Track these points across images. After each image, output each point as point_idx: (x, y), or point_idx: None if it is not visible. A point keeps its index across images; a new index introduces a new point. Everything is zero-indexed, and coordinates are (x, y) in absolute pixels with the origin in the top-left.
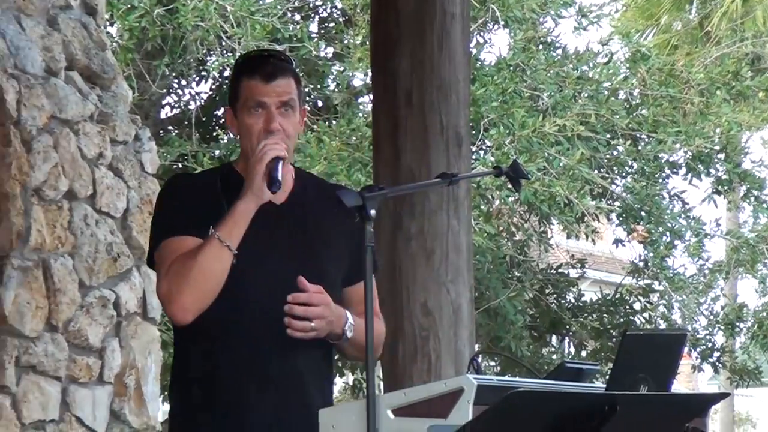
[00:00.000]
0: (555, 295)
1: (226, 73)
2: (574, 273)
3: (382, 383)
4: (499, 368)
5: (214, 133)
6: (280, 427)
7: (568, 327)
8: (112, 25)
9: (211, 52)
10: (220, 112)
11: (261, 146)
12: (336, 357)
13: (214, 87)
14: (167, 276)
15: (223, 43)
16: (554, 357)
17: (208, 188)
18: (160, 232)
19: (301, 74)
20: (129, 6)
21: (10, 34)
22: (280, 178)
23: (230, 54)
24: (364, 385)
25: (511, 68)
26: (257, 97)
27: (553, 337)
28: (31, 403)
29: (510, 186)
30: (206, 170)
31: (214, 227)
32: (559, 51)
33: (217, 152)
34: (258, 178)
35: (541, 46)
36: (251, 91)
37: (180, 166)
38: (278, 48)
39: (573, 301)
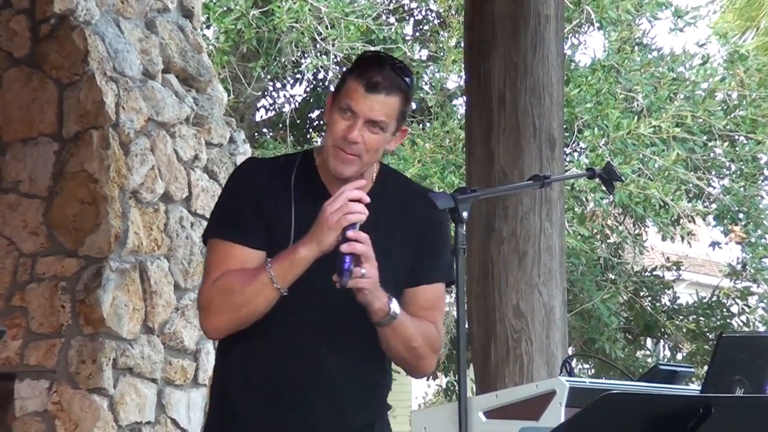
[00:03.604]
0: (650, 298)
1: (321, 75)
2: (669, 275)
3: (474, 385)
4: (593, 371)
5: (308, 136)
6: None
7: (663, 329)
8: (208, 27)
9: (306, 55)
10: (314, 115)
11: (340, 202)
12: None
13: (308, 89)
14: (212, 288)
15: (318, 45)
16: (649, 360)
17: (282, 179)
18: (216, 224)
19: None
20: (225, 8)
21: (109, 36)
22: (349, 269)
23: (324, 56)
24: (457, 387)
25: (606, 69)
26: (351, 102)
27: (648, 340)
28: (128, 405)
29: (604, 188)
30: (286, 155)
31: (271, 261)
32: (655, 52)
33: None
34: (328, 234)
35: (636, 48)
36: (350, 93)
37: None
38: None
39: (668, 303)
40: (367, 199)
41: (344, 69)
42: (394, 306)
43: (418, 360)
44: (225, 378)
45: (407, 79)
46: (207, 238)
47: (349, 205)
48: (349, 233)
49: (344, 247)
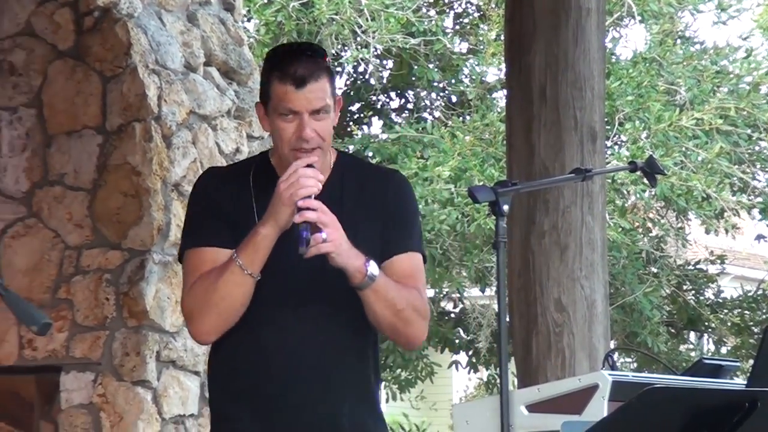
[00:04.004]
0: (693, 291)
1: (361, 68)
2: (713, 269)
3: (515, 379)
4: (635, 365)
5: (348, 129)
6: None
7: (707, 323)
8: (249, 20)
9: (346, 47)
10: (354, 108)
11: (293, 179)
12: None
13: (348, 82)
14: (190, 294)
15: (358, 38)
16: (693, 354)
17: (240, 181)
18: (186, 238)
19: (435, 69)
20: (266, 0)
21: (151, 29)
22: (306, 237)
23: (364, 48)
24: (498, 380)
25: (648, 62)
26: (288, 104)
27: (692, 334)
28: (171, 397)
29: (646, 181)
30: (242, 160)
31: (236, 250)
32: (697, 45)
33: (351, 147)
34: (283, 210)
35: (678, 41)
36: (283, 97)
37: None
38: (311, 42)
39: (712, 297)
40: (321, 177)
41: (262, 71)
42: (372, 268)
43: (407, 326)
44: (212, 379)
45: (323, 57)
46: (180, 254)
47: (300, 181)
48: (300, 203)
49: (296, 218)
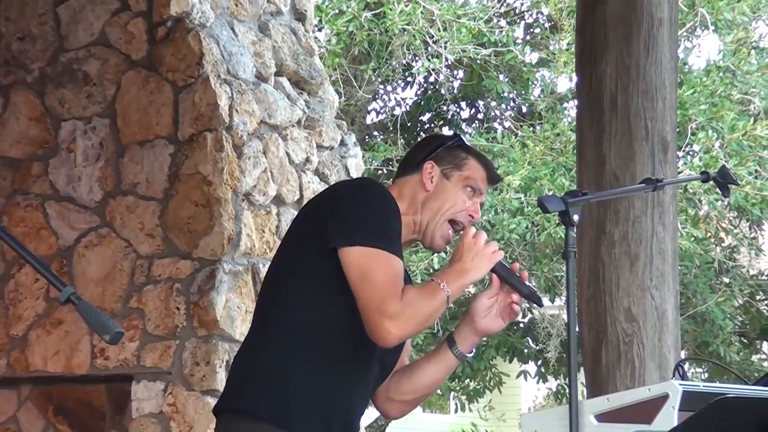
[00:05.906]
0: (766, 301)
1: (432, 78)
2: None
3: (584, 389)
4: (706, 375)
5: (419, 139)
6: None
7: None
8: (320, 29)
9: (417, 57)
10: (425, 118)
11: (489, 245)
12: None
13: (419, 92)
14: (401, 301)
15: (429, 48)
16: (765, 364)
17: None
18: (382, 236)
19: (505, 81)
20: (337, 11)
21: (223, 39)
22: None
23: (436, 59)
24: (568, 390)
25: (721, 71)
26: (481, 186)
27: (764, 344)
28: None
29: (718, 190)
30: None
31: (446, 281)
32: None
33: None
34: (486, 268)
35: (752, 51)
36: (480, 177)
37: (384, 171)
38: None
39: None
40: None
41: (453, 144)
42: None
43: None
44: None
45: None
46: (370, 245)
47: (492, 244)
48: (514, 265)
49: (524, 274)
